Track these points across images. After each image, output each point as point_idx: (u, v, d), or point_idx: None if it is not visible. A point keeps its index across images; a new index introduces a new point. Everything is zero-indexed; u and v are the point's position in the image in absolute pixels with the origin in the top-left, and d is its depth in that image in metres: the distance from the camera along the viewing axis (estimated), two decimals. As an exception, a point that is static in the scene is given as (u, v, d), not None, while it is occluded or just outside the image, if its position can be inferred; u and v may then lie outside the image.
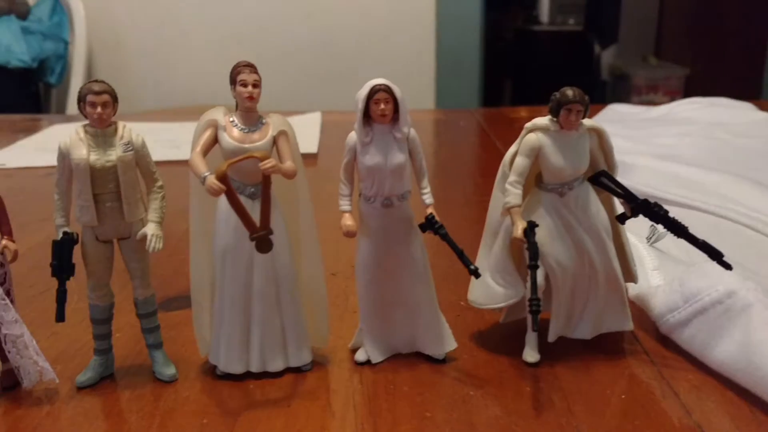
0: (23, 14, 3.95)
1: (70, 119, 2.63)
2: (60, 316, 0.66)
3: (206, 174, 0.64)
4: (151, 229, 0.67)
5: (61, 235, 0.67)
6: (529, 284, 0.68)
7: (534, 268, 0.66)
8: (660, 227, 0.95)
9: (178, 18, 4.49)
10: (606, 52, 6.22)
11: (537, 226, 0.68)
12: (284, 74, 4.42)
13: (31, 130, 2.09)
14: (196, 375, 0.72)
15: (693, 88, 4.68)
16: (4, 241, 0.67)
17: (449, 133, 2.01)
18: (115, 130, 0.66)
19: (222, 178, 0.62)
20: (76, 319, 0.82)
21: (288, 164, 0.67)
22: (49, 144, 1.81)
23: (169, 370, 0.71)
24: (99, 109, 0.64)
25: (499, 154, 0.76)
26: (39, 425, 0.64)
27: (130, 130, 0.67)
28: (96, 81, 0.66)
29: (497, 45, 5.49)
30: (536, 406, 0.66)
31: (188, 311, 0.80)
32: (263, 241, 0.65)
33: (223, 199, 0.68)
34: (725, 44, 4.78)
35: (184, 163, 0.68)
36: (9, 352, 0.68)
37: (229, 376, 0.71)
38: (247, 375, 0.71)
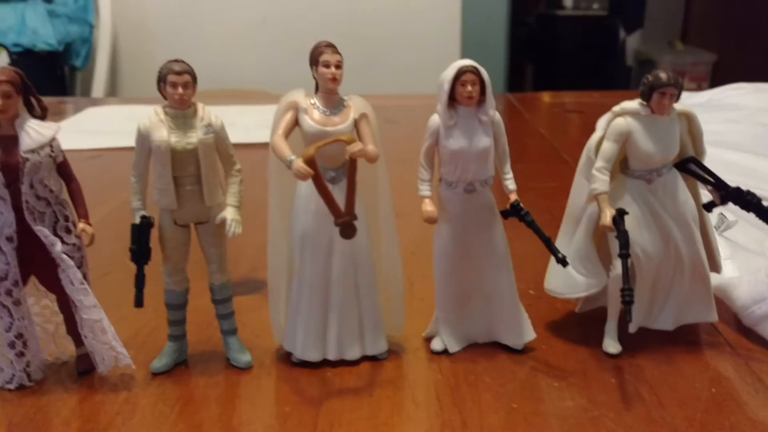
0: (49, -3, 3.93)
1: (96, 102, 2.62)
2: (139, 302, 0.65)
3: (292, 158, 0.62)
4: (230, 214, 0.66)
5: (138, 219, 0.65)
6: (613, 273, 0.66)
7: (625, 257, 0.64)
8: (730, 216, 0.92)
9: (203, 1, 4.46)
10: (631, 37, 6.12)
11: (627, 213, 0.66)
12: (307, 56, 4.39)
13: (57, 113, 2.11)
14: (271, 362, 0.71)
15: (721, 74, 4.59)
16: (81, 225, 0.65)
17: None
18: (195, 111, 0.65)
19: (310, 161, 0.60)
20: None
21: (371, 147, 0.65)
22: (86, 126, 1.80)
23: (245, 357, 0.70)
24: (180, 90, 0.63)
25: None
26: (119, 411, 0.63)
27: (210, 111, 0.65)
28: (176, 61, 0.64)
29: (519, 30, 5.41)
30: (624, 399, 0.64)
31: (252, 297, 0.79)
32: (348, 227, 0.63)
33: (302, 184, 0.66)
34: (755, 29, 4.68)
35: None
36: (86, 337, 0.67)
37: (305, 364, 0.70)
38: (324, 363, 0.70)
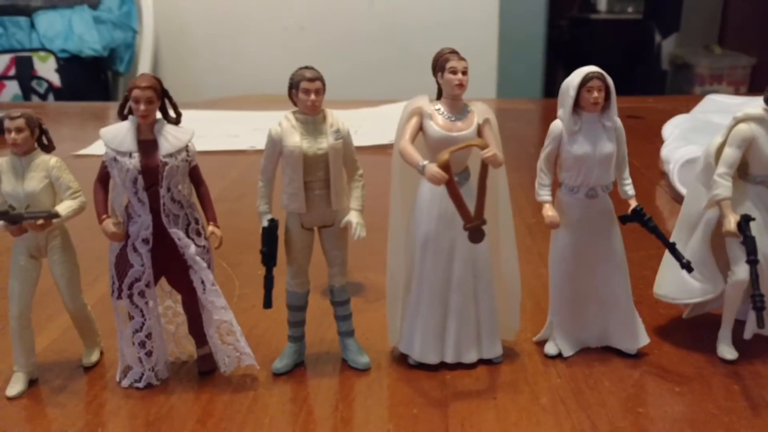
0: (94, 4, 4.01)
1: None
2: (268, 303, 0.67)
3: (425, 163, 0.63)
4: (355, 217, 0.67)
5: (266, 222, 0.67)
6: (733, 279, 0.65)
7: (754, 262, 0.64)
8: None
9: (243, 7, 4.51)
10: (667, 41, 6.05)
11: (753, 219, 0.66)
12: (346, 62, 4.42)
13: (100, 117, 2.15)
14: (387, 364, 0.72)
15: (760, 78, 4.52)
16: (210, 227, 0.67)
17: (519, 121, 1.99)
18: (324, 117, 0.66)
19: (445, 166, 0.61)
20: (243, 306, 0.83)
21: (498, 153, 0.65)
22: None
23: (363, 358, 0.71)
24: (313, 96, 0.64)
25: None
26: (249, 410, 0.64)
27: (338, 117, 0.66)
28: (308, 68, 0.65)
29: (551, 33, 5.38)
30: (752, 405, 0.64)
31: (356, 299, 0.79)
32: (477, 232, 0.64)
33: (424, 189, 0.67)
34: (796, 32, 4.60)
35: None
36: (211, 337, 0.68)
37: (422, 366, 0.70)
38: (441, 366, 0.71)
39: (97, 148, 1.69)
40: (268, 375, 0.70)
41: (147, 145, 0.63)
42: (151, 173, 0.63)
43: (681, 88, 5.17)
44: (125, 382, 0.68)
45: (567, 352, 0.72)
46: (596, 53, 6.77)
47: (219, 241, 0.67)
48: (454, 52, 0.66)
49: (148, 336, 0.67)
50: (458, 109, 0.67)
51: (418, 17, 4.62)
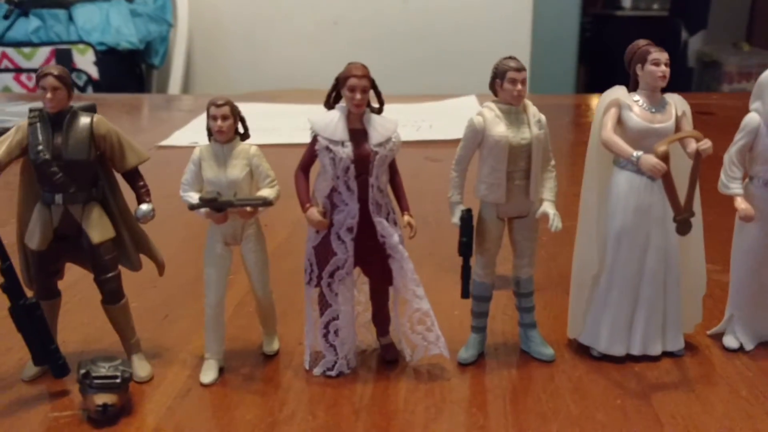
0: (131, -4, 4.00)
1: (171, 100, 2.67)
2: (466, 293, 0.67)
3: (639, 153, 0.63)
4: (550, 208, 0.67)
5: (459, 212, 0.67)
6: None
7: None
8: None
9: (276, 1, 4.50)
10: (694, 38, 6.03)
11: None
12: (378, 58, 4.41)
13: (135, 109, 2.17)
14: (570, 355, 0.72)
15: (789, 76, 4.50)
16: (406, 217, 0.67)
17: (553, 118, 2.01)
18: (525, 107, 0.66)
19: (665, 157, 0.61)
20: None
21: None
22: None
23: (548, 350, 0.71)
24: (519, 86, 0.64)
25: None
26: (442, 399, 0.64)
27: (535, 108, 0.66)
28: (512, 58, 0.65)
29: (575, 30, 5.36)
30: None
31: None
32: (685, 223, 0.64)
33: (621, 179, 0.67)
34: (828, 30, 4.59)
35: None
36: (402, 325, 0.69)
37: (606, 358, 0.71)
38: (626, 358, 0.71)
39: (177, 140, 1.69)
40: (453, 365, 0.70)
41: (357, 134, 0.63)
42: (361, 162, 0.63)
43: (708, 86, 5.14)
44: (317, 371, 0.68)
45: (748, 346, 0.72)
46: (620, 50, 6.72)
47: (414, 231, 0.67)
48: (652, 44, 0.66)
49: (345, 324, 0.67)
50: (657, 101, 0.67)
51: (451, 13, 4.61)
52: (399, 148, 0.65)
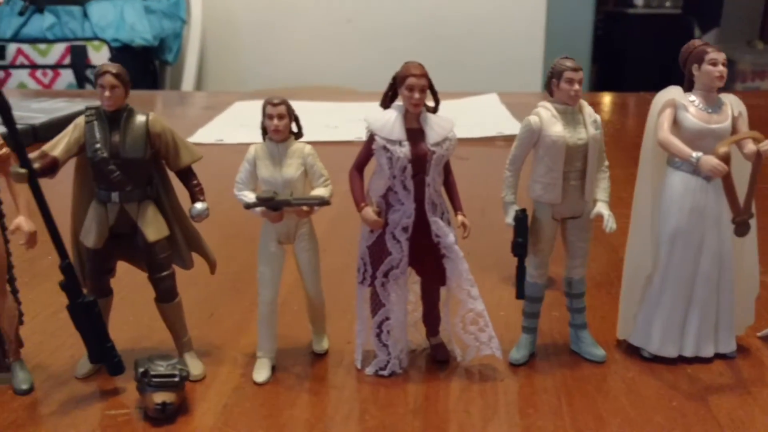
0: (145, -7, 4.00)
1: (184, 96, 2.68)
2: (521, 293, 0.67)
3: (699, 154, 0.63)
4: (605, 209, 0.67)
5: (513, 212, 0.66)
6: None
7: None
8: None
9: (289, -1, 4.49)
10: (707, 36, 5.99)
11: None
12: (392, 55, 4.40)
13: (149, 106, 2.17)
14: (620, 356, 0.72)
15: (804, 75, 4.48)
16: (460, 217, 0.67)
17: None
18: (581, 107, 0.66)
19: (726, 158, 0.61)
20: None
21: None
22: (239, 120, 1.84)
23: (599, 351, 0.70)
24: (576, 86, 0.63)
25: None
26: (510, 402, 0.64)
27: (591, 108, 0.66)
28: (568, 58, 0.65)
29: (585, 28, 5.34)
30: None
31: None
32: (744, 225, 0.64)
33: (676, 180, 0.67)
34: (843, 28, 4.56)
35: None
36: (454, 325, 0.69)
37: (657, 359, 0.70)
38: (678, 359, 0.70)
39: (202, 137, 1.69)
40: (505, 365, 0.70)
41: (414, 133, 0.63)
42: (418, 161, 0.63)
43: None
44: (369, 370, 0.68)
45: (799, 348, 0.72)
46: (632, 48, 6.69)
47: (468, 231, 0.67)
48: (708, 44, 0.66)
49: (398, 324, 0.67)
50: (713, 102, 0.66)
51: (465, 9, 4.60)
52: (455, 148, 0.65)
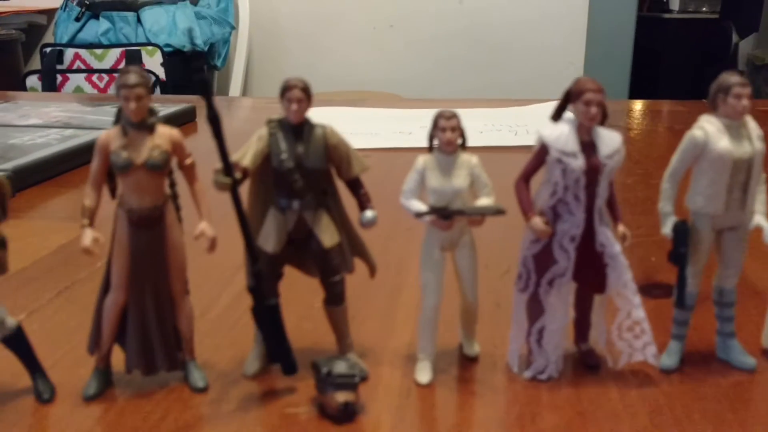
0: (195, 0, 4.08)
1: (232, 101, 2.71)
2: (681, 302, 0.69)
3: None
4: (764, 221, 0.68)
5: (671, 223, 0.69)
6: None
7: None
8: None
9: (333, 4, 4.56)
10: (745, 41, 5.94)
11: None
12: (434, 61, 4.44)
13: (197, 111, 2.24)
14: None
15: None
16: (621, 228, 0.69)
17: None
18: (744, 122, 0.67)
19: None
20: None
21: None
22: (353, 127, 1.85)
23: (749, 359, 0.72)
24: (744, 102, 0.65)
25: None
26: (661, 403, 0.66)
27: (754, 122, 0.68)
28: (734, 73, 0.67)
29: (621, 34, 5.32)
30: None
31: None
32: None
33: None
34: None
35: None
36: (609, 333, 0.71)
37: None
38: None
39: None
40: (656, 371, 0.72)
41: (586, 146, 0.65)
42: (591, 173, 0.65)
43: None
44: (527, 374, 0.70)
45: None
46: (668, 54, 6.63)
47: (629, 241, 0.69)
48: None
49: (558, 329, 0.69)
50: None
51: (506, 15, 4.62)
52: (623, 160, 0.67)
